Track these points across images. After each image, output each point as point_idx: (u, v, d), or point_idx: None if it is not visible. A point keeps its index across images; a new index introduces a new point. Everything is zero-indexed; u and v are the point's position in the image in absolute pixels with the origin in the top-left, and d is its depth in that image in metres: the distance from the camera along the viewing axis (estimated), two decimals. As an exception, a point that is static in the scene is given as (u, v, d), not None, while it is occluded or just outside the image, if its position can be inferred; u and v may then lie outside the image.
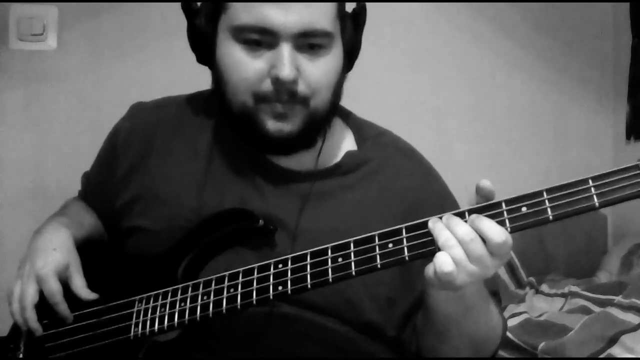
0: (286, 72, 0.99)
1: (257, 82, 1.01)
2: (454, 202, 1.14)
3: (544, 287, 2.20)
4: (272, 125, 1.03)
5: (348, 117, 1.19)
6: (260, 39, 1.00)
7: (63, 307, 1.08)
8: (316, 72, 1.02)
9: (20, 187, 2.22)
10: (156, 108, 1.21)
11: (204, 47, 1.08)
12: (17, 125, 2.23)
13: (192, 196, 1.10)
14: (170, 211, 1.10)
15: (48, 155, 2.23)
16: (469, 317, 0.98)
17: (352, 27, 1.09)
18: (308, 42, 1.01)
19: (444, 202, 1.12)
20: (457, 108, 2.54)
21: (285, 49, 0.99)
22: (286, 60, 0.99)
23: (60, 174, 2.14)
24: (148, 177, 1.14)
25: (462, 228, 0.86)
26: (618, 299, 1.81)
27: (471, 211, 0.88)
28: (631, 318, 1.70)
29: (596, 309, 1.87)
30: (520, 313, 1.95)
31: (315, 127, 1.07)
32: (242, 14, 1.01)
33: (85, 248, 1.15)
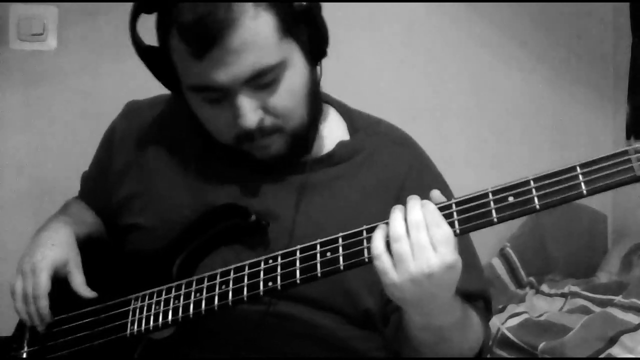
0: (247, 122, 0.99)
1: (229, 129, 1.02)
2: (446, 190, 1.14)
3: (544, 287, 2.20)
4: (259, 154, 1.05)
5: (341, 108, 1.19)
6: (214, 95, 0.99)
7: (43, 304, 1.08)
8: (280, 101, 1.00)
9: (20, 187, 2.22)
10: (151, 105, 1.22)
11: (171, 87, 1.07)
12: (17, 125, 2.23)
13: (188, 192, 1.11)
14: (166, 208, 1.11)
15: (48, 155, 2.23)
16: (444, 344, 0.98)
17: (306, 26, 1.02)
18: (260, 82, 0.98)
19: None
20: (457, 108, 2.53)
21: (241, 100, 0.98)
22: (244, 111, 0.98)
23: (60, 174, 2.14)
24: (143, 174, 1.15)
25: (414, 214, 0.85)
26: (618, 299, 1.81)
27: (457, 203, 0.86)
28: (631, 318, 1.70)
29: (596, 309, 1.87)
30: (520, 313, 1.95)
31: (303, 139, 1.07)
32: (188, 77, 1.00)
33: (84, 246, 1.16)
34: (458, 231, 0.86)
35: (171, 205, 1.11)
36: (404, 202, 0.88)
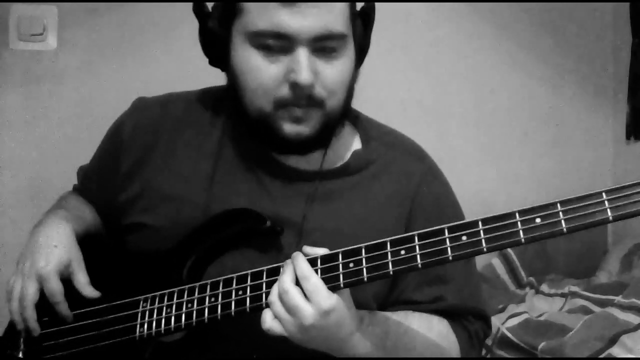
0: (305, 77, 0.98)
1: (274, 87, 1.01)
2: (454, 204, 1.14)
3: (544, 287, 2.20)
4: (289, 128, 1.03)
5: (353, 117, 1.19)
6: (277, 44, 0.99)
7: (64, 307, 1.07)
8: (333, 74, 1.02)
9: (20, 187, 2.22)
10: (162, 104, 1.19)
11: (217, 50, 1.06)
12: (17, 125, 2.23)
13: (199, 193, 1.09)
14: (175, 208, 1.09)
15: (47, 155, 2.23)
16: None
17: (362, 25, 1.07)
18: (324, 45, 1.00)
19: (441, 205, 1.12)
20: (457, 108, 2.54)
21: (303, 54, 0.99)
22: (304, 65, 0.98)
23: (60, 174, 2.13)
24: (153, 173, 1.13)
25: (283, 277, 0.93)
26: (618, 299, 1.81)
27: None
28: (631, 318, 1.70)
29: (596, 309, 1.87)
30: (520, 313, 1.95)
31: (331, 128, 1.07)
32: (257, 20, 0.99)
33: (86, 244, 1.14)
34: (485, 249, 0.87)
35: (181, 206, 1.09)
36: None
